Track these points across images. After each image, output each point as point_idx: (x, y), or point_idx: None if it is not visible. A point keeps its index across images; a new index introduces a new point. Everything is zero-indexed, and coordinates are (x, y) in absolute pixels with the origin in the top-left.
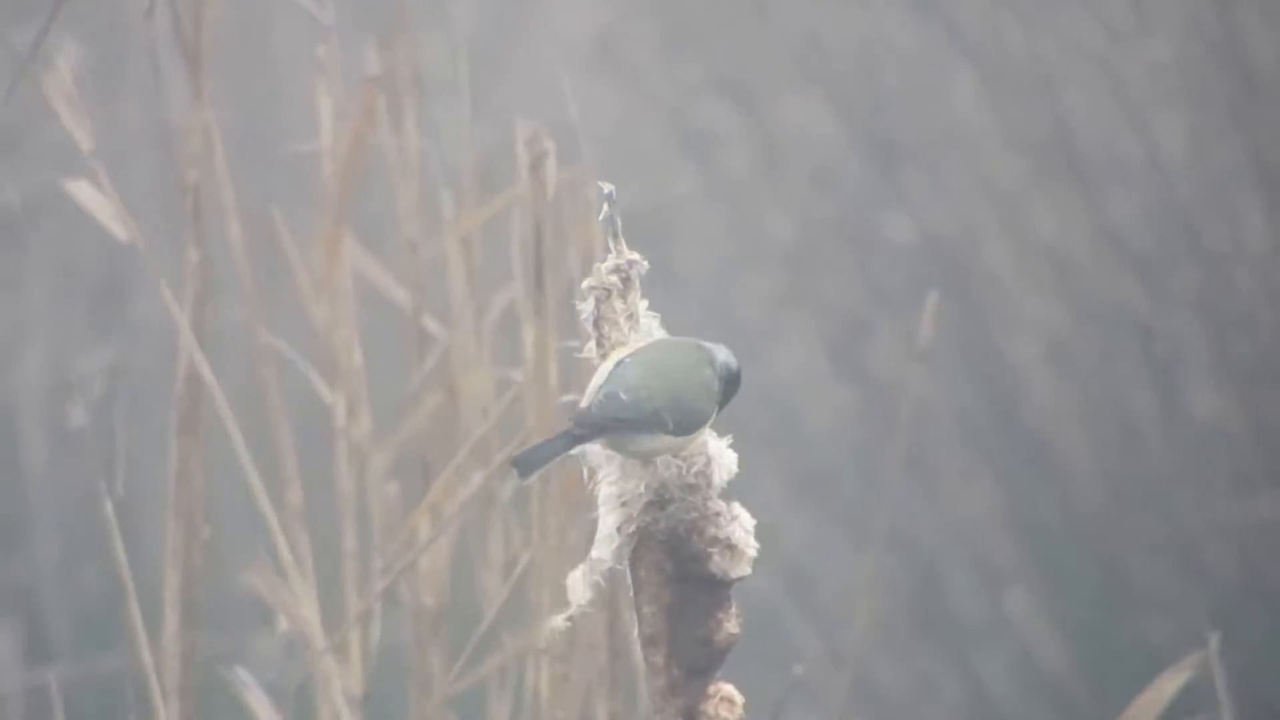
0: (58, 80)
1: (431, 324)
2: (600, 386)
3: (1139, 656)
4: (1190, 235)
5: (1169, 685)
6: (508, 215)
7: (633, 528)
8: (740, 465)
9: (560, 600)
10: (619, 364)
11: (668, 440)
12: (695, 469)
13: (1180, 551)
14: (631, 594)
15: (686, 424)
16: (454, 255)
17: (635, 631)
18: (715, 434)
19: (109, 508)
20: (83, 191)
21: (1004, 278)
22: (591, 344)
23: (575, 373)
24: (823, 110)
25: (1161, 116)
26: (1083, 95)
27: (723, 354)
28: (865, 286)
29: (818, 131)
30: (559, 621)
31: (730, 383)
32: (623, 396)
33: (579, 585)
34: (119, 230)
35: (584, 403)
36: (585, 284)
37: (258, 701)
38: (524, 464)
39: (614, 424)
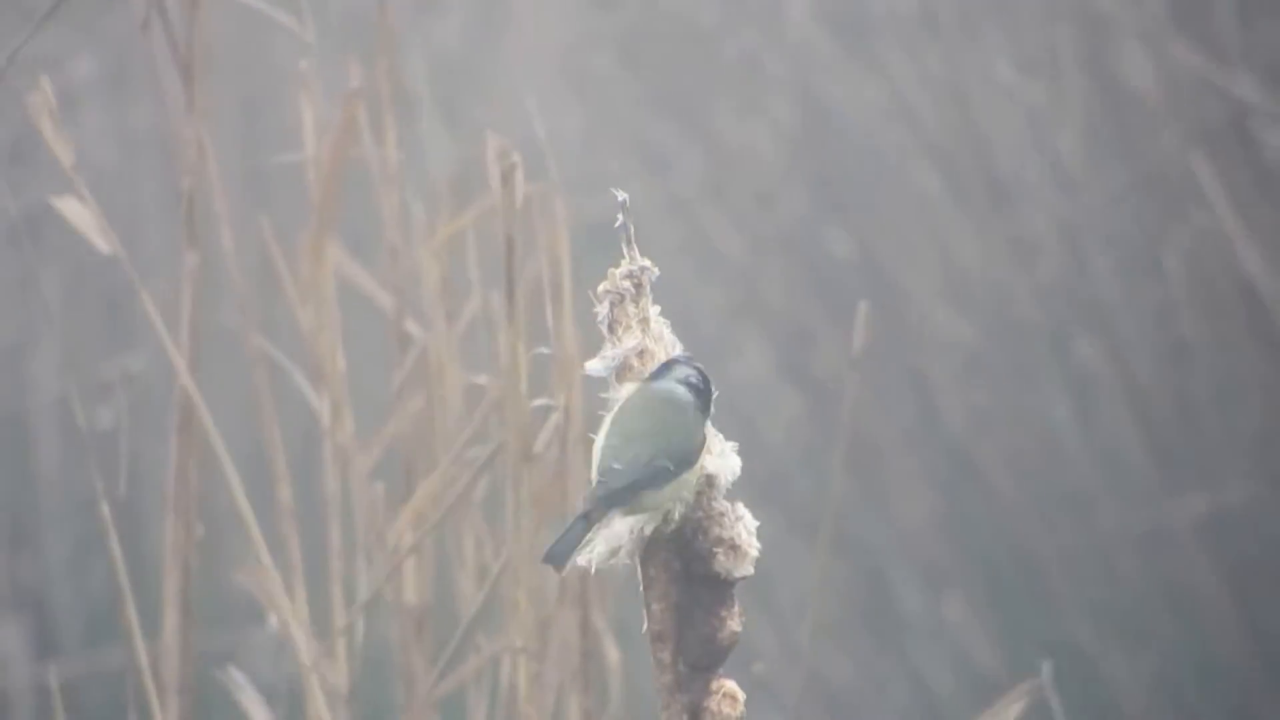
0: (40, 97)
1: (413, 328)
2: (597, 465)
3: (1063, 653)
4: (1101, 252)
5: (1006, 714)
6: (482, 224)
7: (647, 530)
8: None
9: (534, 601)
10: (606, 438)
11: (676, 482)
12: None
13: (1097, 555)
14: (641, 590)
15: (686, 458)
16: (428, 263)
17: (643, 628)
18: (721, 437)
19: (106, 509)
20: (69, 206)
21: (929, 292)
22: (608, 345)
23: (545, 378)
24: (765, 133)
25: (1065, 140)
26: (997, 121)
27: (680, 373)
28: (808, 298)
29: (761, 152)
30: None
31: (704, 391)
32: (617, 467)
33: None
34: (101, 243)
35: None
36: (600, 288)
37: (250, 701)
38: (556, 557)
39: (622, 494)
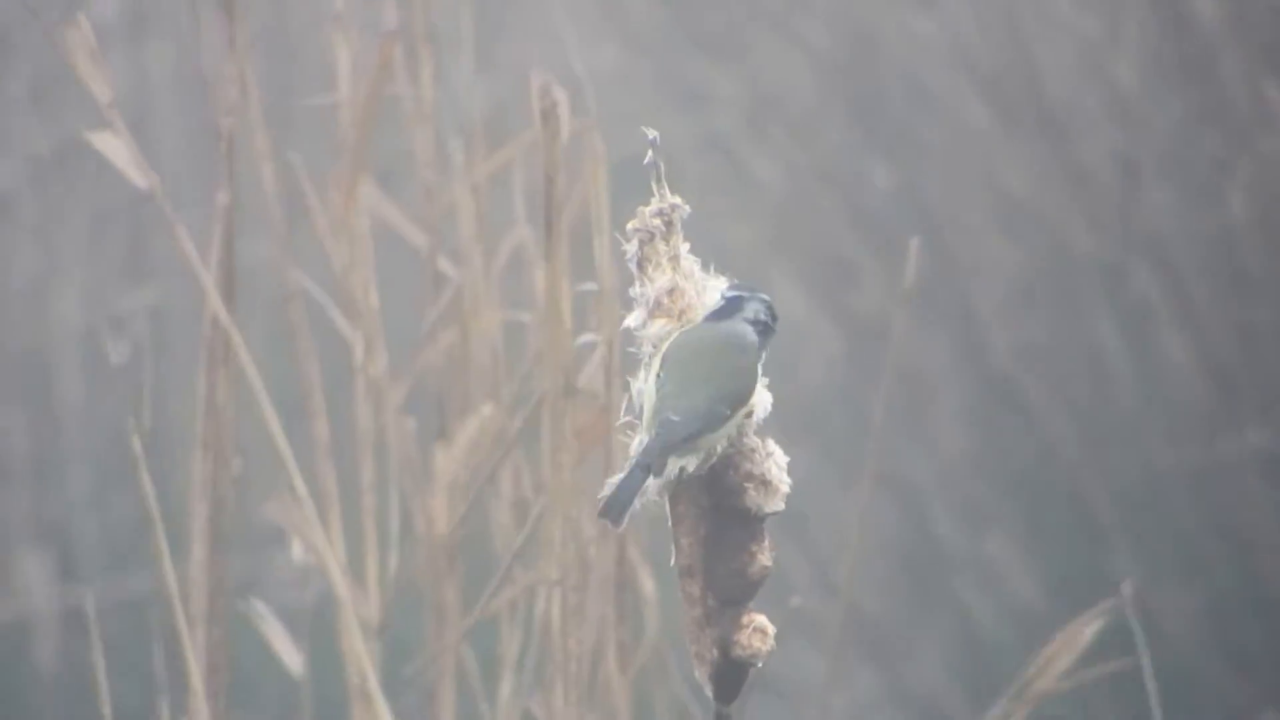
0: (78, 34)
1: (446, 265)
2: (651, 417)
3: (1106, 588)
4: (1157, 184)
5: (1083, 632)
6: (514, 162)
7: (689, 469)
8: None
9: (571, 533)
10: (658, 381)
11: (730, 424)
12: None
13: (1147, 490)
14: (669, 526)
15: (740, 399)
16: (465, 201)
17: (672, 561)
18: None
19: (136, 442)
20: (104, 141)
21: (977, 225)
22: (638, 284)
23: (587, 313)
24: (805, 67)
25: (1122, 71)
26: (1051, 51)
27: (750, 310)
28: (848, 232)
29: (801, 86)
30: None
31: (769, 329)
32: (674, 418)
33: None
34: (138, 178)
35: (642, 433)
36: (630, 226)
37: (273, 631)
38: (612, 510)
39: (681, 445)
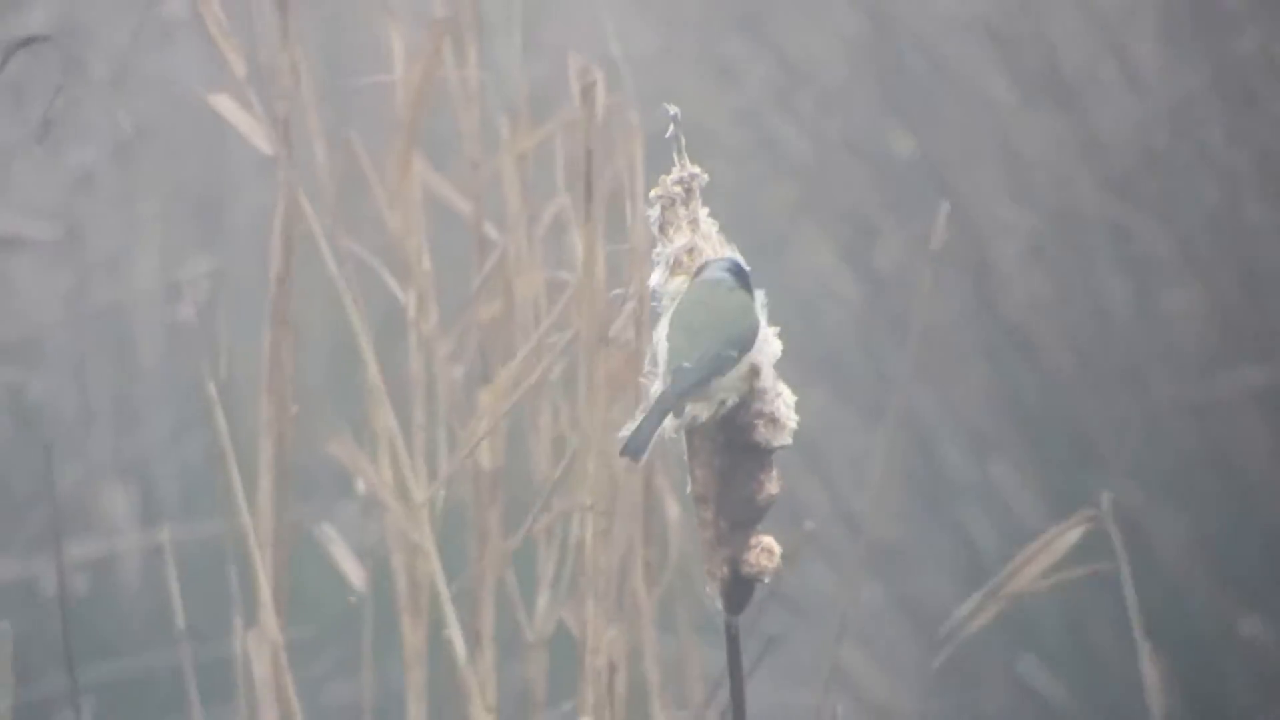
0: (212, 13)
1: (491, 231)
2: (665, 365)
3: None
4: (1162, 146)
5: (1063, 539)
6: (555, 137)
7: (703, 418)
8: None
9: (602, 464)
10: (669, 334)
11: (741, 367)
12: None
13: (1147, 424)
14: (685, 458)
15: (746, 342)
16: (510, 172)
17: (688, 490)
18: (763, 322)
19: (212, 388)
20: (226, 106)
21: (992, 185)
22: (660, 246)
23: (620, 271)
24: (831, 43)
25: (1135, 41)
26: (1065, 24)
27: (720, 265)
28: (870, 194)
29: (827, 62)
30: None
31: (743, 274)
32: (687, 365)
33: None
34: (262, 144)
35: (659, 380)
36: (652, 193)
37: (341, 553)
38: (634, 447)
39: (696, 389)
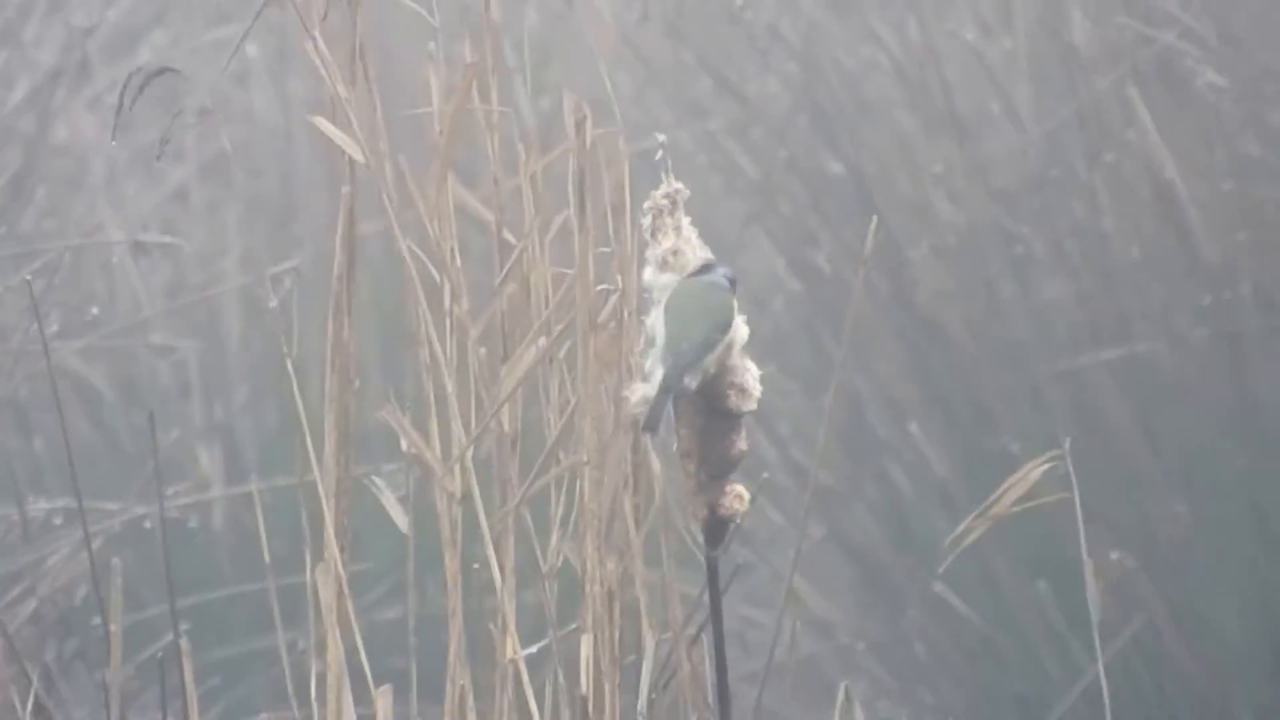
0: (317, 51)
1: (509, 236)
2: (663, 351)
3: (1000, 463)
4: (1037, 168)
5: (1032, 473)
6: (560, 161)
7: (693, 385)
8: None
9: (596, 428)
10: (666, 322)
11: (722, 345)
12: None
13: (1027, 391)
14: (673, 421)
15: (726, 327)
16: (525, 188)
17: (674, 448)
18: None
19: (289, 365)
20: (326, 125)
21: (906, 200)
22: (651, 248)
23: (609, 269)
24: (779, 85)
25: (1014, 84)
26: (960, 71)
27: (717, 270)
28: (809, 209)
29: (775, 100)
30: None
31: (733, 280)
32: (684, 348)
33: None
34: (357, 154)
35: (661, 365)
36: (645, 205)
37: (389, 501)
38: (652, 423)
39: (693, 367)
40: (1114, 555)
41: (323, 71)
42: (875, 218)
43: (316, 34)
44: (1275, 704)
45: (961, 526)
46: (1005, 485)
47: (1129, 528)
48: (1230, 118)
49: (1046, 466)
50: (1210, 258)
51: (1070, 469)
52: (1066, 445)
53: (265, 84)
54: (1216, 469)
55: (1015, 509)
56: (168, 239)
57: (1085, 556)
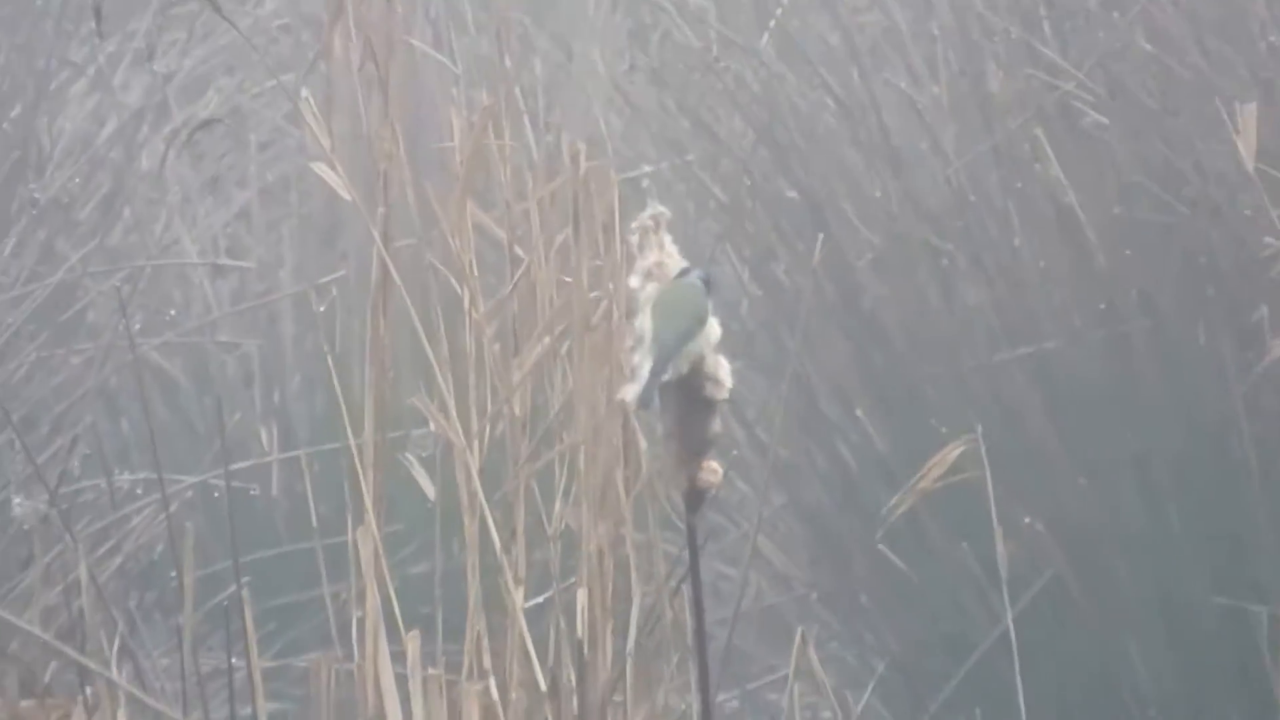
0: (307, 106)
1: (519, 251)
2: (650, 344)
3: (934, 443)
4: (958, 193)
5: (951, 454)
6: (563, 188)
7: (684, 369)
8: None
9: (590, 411)
10: (653, 318)
11: (699, 336)
12: None
13: (956, 382)
14: (659, 407)
15: (703, 319)
16: (532, 211)
17: (658, 430)
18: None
19: (330, 358)
20: (324, 170)
21: (849, 220)
22: (638, 261)
23: (600, 280)
24: (744, 125)
25: (940, 122)
26: (895, 113)
27: (693, 274)
28: (769, 228)
29: (742, 136)
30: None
31: (707, 281)
32: (667, 338)
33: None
34: (344, 193)
35: (643, 351)
36: (633, 225)
37: (418, 471)
38: (645, 399)
39: (675, 355)
40: (1026, 519)
41: (309, 121)
42: (822, 235)
43: (355, 82)
44: (1159, 641)
45: (895, 499)
46: (929, 464)
47: (1038, 497)
48: (1117, 153)
49: (963, 448)
50: (1103, 269)
51: (982, 449)
52: (979, 430)
53: (316, 120)
54: (1110, 446)
55: (938, 484)
56: (238, 263)
57: (996, 524)
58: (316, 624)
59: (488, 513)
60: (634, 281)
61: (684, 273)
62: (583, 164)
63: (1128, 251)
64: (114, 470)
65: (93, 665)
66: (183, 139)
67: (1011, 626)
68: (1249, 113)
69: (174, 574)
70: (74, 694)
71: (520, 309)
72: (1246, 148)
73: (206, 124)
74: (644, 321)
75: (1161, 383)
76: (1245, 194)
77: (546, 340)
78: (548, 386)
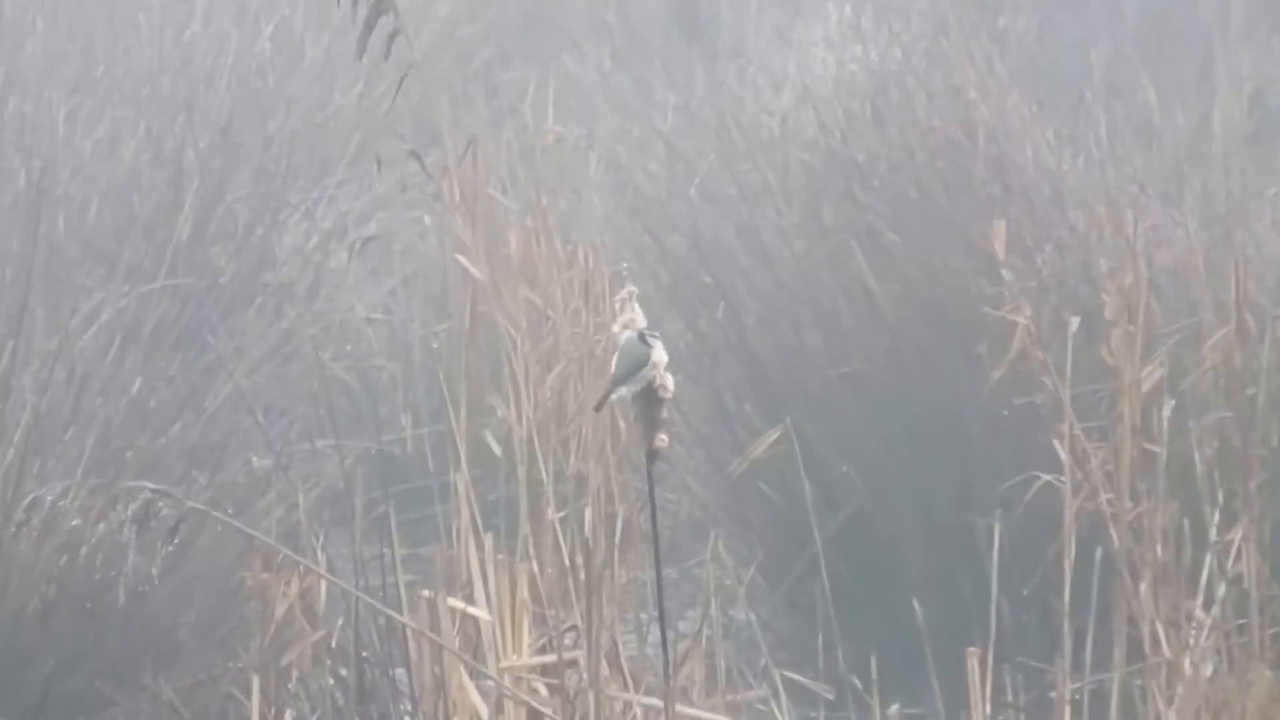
0: (447, 176)
1: (550, 312)
2: (614, 374)
3: (809, 413)
4: (809, 277)
5: (765, 441)
6: (578, 275)
7: (649, 380)
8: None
9: (588, 401)
10: (614, 362)
11: (647, 367)
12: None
13: (801, 390)
14: (630, 406)
15: (642, 362)
16: (557, 288)
17: (631, 416)
18: (661, 346)
19: (441, 374)
20: (463, 260)
21: (742, 296)
22: (619, 318)
23: (597, 328)
24: (681, 240)
25: (797, 241)
26: (769, 235)
27: (640, 334)
28: (695, 299)
29: (680, 246)
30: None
31: (650, 334)
32: (617, 373)
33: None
34: (476, 274)
35: (612, 383)
36: (617, 297)
37: (491, 441)
38: (598, 406)
39: (621, 381)
40: (843, 467)
41: (460, 231)
42: (724, 304)
43: (458, 213)
44: (919, 546)
45: (733, 466)
46: (751, 447)
47: (848, 459)
48: (901, 256)
49: (778, 433)
50: (890, 322)
51: (791, 434)
52: (788, 421)
53: (434, 236)
54: (890, 424)
55: (755, 458)
56: (387, 318)
57: (807, 488)
58: (432, 529)
59: (532, 464)
60: (616, 329)
61: (643, 335)
62: (588, 263)
63: (907, 312)
64: (315, 439)
65: (302, 558)
66: (356, 248)
67: (820, 551)
68: (999, 228)
69: (352, 500)
70: (293, 571)
71: (550, 347)
72: (999, 247)
73: (370, 239)
74: (614, 359)
75: (922, 389)
76: (985, 275)
77: (565, 364)
78: (570, 391)
